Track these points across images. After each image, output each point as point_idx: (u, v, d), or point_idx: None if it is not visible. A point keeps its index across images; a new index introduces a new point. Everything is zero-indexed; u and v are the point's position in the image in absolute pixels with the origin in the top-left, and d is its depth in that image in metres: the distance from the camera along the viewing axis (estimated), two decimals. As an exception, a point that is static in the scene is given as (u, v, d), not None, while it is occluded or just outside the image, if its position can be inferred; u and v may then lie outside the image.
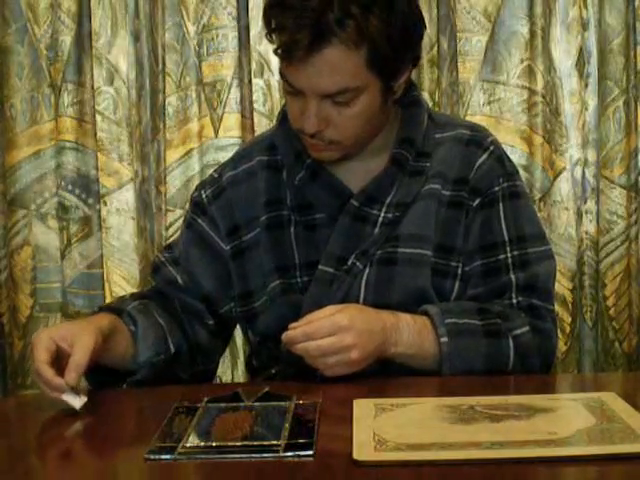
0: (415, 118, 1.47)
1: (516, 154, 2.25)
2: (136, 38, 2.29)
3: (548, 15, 2.26)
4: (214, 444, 1.06)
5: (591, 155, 2.31)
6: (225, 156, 1.93)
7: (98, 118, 2.30)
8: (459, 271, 1.44)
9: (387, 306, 1.37)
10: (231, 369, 2.35)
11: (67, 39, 2.28)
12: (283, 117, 1.48)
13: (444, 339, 1.34)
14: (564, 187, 2.30)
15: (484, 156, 1.46)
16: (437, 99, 2.28)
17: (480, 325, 1.37)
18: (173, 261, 1.52)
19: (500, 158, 1.48)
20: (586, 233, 2.32)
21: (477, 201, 1.45)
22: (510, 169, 1.48)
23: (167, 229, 2.32)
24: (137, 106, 2.30)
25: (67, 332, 1.26)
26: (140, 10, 2.28)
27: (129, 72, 2.29)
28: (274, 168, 1.50)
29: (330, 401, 1.20)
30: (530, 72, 2.28)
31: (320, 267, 1.42)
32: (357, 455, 0.99)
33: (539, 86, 2.27)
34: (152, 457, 1.03)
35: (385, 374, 1.34)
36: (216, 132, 2.31)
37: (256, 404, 1.19)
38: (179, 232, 1.60)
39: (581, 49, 2.27)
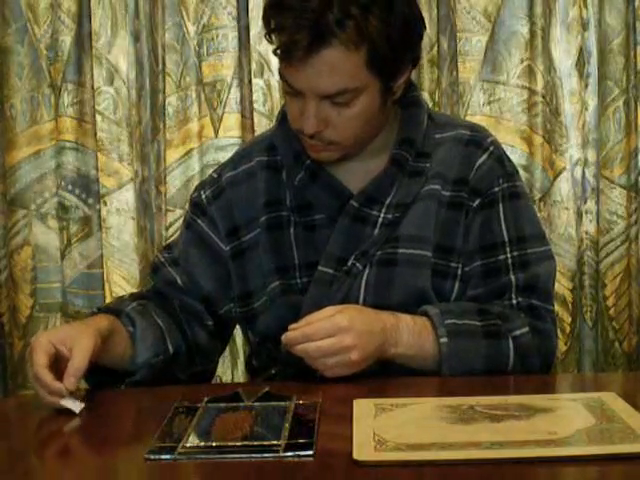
0: (415, 118, 1.47)
1: (516, 154, 2.25)
2: (136, 38, 2.29)
3: (548, 15, 2.26)
4: (214, 444, 1.06)
5: (591, 155, 2.31)
6: (225, 156, 1.93)
7: (98, 118, 2.30)
8: (459, 272, 1.43)
9: (387, 307, 1.37)
10: (231, 369, 2.35)
11: (67, 39, 2.28)
12: (283, 117, 1.48)
13: (444, 340, 1.34)
14: (564, 187, 2.30)
15: (484, 156, 1.46)
16: (437, 99, 2.28)
17: (480, 326, 1.37)
18: (172, 261, 1.52)
19: (500, 158, 1.47)
20: (586, 233, 2.32)
21: (477, 201, 1.44)
22: (510, 169, 1.48)
23: (167, 229, 2.32)
24: (137, 106, 2.30)
25: (66, 335, 1.26)
26: (140, 10, 2.28)
27: (129, 72, 2.29)
28: (274, 168, 1.50)
29: (330, 401, 1.20)
30: (530, 72, 2.28)
31: (320, 268, 1.42)
32: (357, 455, 1.00)
33: (539, 86, 2.27)
34: (152, 457, 1.03)
35: (385, 374, 1.34)
36: (216, 132, 2.31)
37: (256, 404, 1.19)
38: (178, 232, 1.60)
39: (581, 49, 2.27)
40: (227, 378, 2.33)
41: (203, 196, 1.52)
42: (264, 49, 2.26)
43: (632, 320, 2.32)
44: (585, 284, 2.33)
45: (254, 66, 2.30)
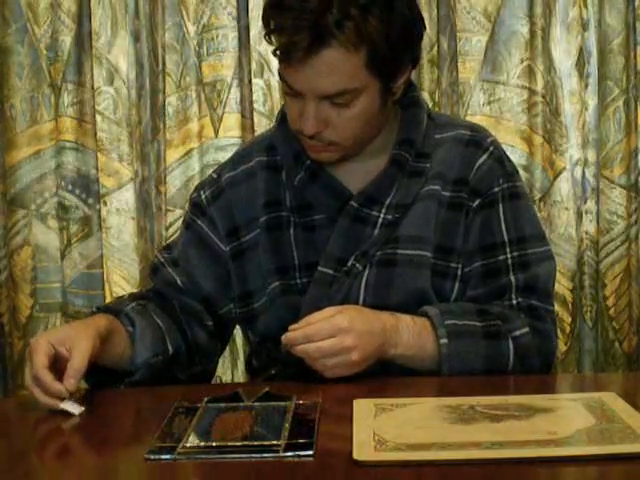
0: (415, 119, 1.47)
1: (516, 154, 2.25)
2: (136, 38, 2.29)
3: (548, 15, 2.26)
4: (214, 444, 1.06)
5: (591, 155, 2.31)
6: (225, 156, 1.93)
7: (98, 118, 2.30)
8: (459, 272, 1.43)
9: (387, 307, 1.37)
10: (231, 369, 2.35)
11: (67, 39, 2.28)
12: (282, 118, 1.48)
13: (444, 340, 1.34)
14: (564, 187, 2.30)
15: (484, 157, 1.46)
16: (437, 99, 2.28)
17: (480, 326, 1.37)
18: (172, 262, 1.52)
19: (500, 159, 1.47)
20: (586, 233, 2.32)
21: (477, 202, 1.44)
22: (510, 169, 1.48)
23: (167, 229, 2.32)
24: (137, 106, 2.30)
25: (65, 336, 1.26)
26: (140, 10, 2.28)
27: (129, 72, 2.29)
28: (273, 169, 1.50)
29: (330, 401, 1.20)
30: (530, 72, 2.28)
31: (320, 268, 1.42)
32: (357, 455, 1.00)
33: (539, 86, 2.27)
34: (152, 457, 1.03)
35: (385, 374, 1.34)
36: (216, 132, 2.31)
37: (256, 404, 1.19)
38: (178, 233, 1.60)
39: (581, 49, 2.27)
40: (227, 378, 2.33)
41: (203, 196, 1.52)
42: (264, 49, 2.26)
43: (632, 320, 2.32)
44: (585, 284, 2.33)
45: (254, 66, 2.30)
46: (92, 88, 2.29)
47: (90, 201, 2.33)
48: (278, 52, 1.34)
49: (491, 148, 1.47)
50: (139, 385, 1.37)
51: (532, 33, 2.26)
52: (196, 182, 1.99)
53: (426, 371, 1.36)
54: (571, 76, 2.28)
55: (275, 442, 1.05)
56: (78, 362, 1.22)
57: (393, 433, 1.05)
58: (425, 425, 1.09)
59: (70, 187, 2.32)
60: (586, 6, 2.26)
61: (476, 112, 2.30)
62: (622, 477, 0.98)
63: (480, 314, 1.38)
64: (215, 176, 1.54)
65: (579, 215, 2.31)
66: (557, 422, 1.09)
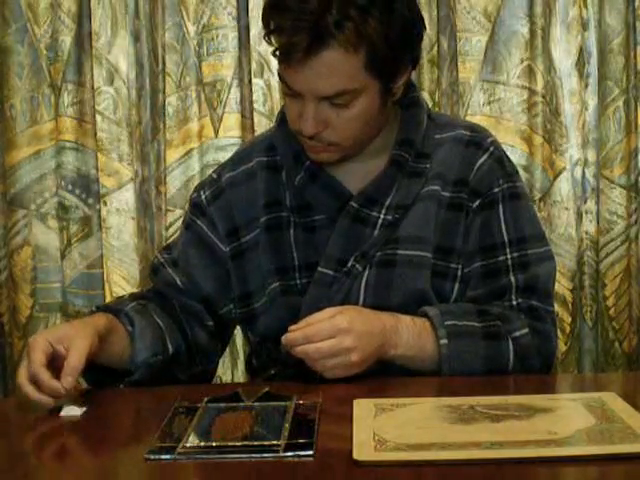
0: (415, 119, 1.47)
1: (516, 154, 2.25)
2: (136, 38, 2.29)
3: (548, 15, 2.26)
4: (214, 444, 1.06)
5: (591, 155, 2.31)
6: (225, 156, 1.93)
7: (98, 118, 2.30)
8: (459, 273, 1.43)
9: (387, 308, 1.37)
10: (231, 369, 2.35)
11: (67, 39, 2.28)
12: (282, 118, 1.48)
13: (444, 341, 1.34)
14: (564, 187, 2.30)
15: (484, 157, 1.46)
16: (437, 99, 2.28)
17: (480, 327, 1.37)
18: (172, 262, 1.52)
19: (500, 159, 1.47)
20: (586, 233, 2.32)
21: (477, 202, 1.44)
22: (510, 170, 1.48)
23: (167, 229, 2.32)
24: (137, 106, 2.30)
25: (63, 334, 1.26)
26: (140, 10, 2.28)
27: (129, 72, 2.29)
28: (273, 169, 1.50)
29: (330, 401, 1.20)
30: (530, 72, 2.28)
31: (319, 269, 1.42)
32: (357, 455, 1.00)
33: (539, 86, 2.27)
34: (152, 457, 1.03)
35: (385, 374, 1.34)
36: (216, 132, 2.31)
37: (256, 404, 1.19)
38: (178, 233, 1.60)
39: (581, 49, 2.27)
40: (227, 378, 2.33)
41: (203, 197, 1.52)
42: (264, 49, 2.26)
43: (632, 320, 2.32)
44: (585, 284, 2.33)
45: (254, 66, 2.30)
46: (92, 88, 2.29)
47: (90, 201, 2.33)
48: (278, 53, 1.34)
49: (491, 148, 1.47)
50: (139, 385, 1.37)
51: (532, 33, 2.26)
52: (196, 182, 1.99)
53: (426, 371, 1.36)
54: (571, 76, 2.28)
55: (275, 442, 1.05)
56: (75, 360, 1.22)
57: (393, 433, 1.05)
58: (425, 425, 1.09)
59: (70, 187, 2.32)
60: (586, 6, 2.26)
61: (476, 112, 2.30)
62: (622, 477, 0.98)
63: (480, 315, 1.38)
64: (215, 176, 1.54)
65: (579, 215, 2.31)
66: (557, 422, 1.09)
